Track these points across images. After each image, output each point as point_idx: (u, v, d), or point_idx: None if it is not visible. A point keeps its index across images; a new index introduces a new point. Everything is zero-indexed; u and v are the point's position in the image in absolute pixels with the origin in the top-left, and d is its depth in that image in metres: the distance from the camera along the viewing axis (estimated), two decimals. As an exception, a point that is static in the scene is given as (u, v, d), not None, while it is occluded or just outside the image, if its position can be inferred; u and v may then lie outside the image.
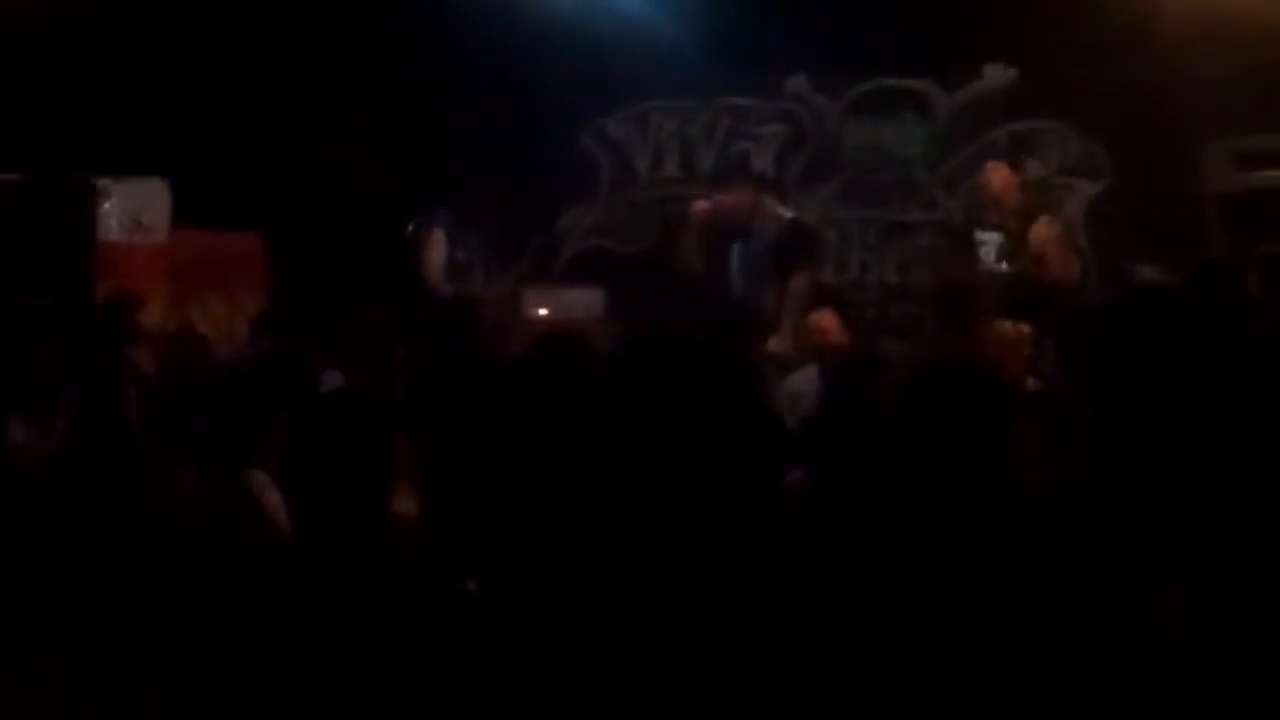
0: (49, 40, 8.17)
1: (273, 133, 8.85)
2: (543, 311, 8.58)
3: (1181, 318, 3.24)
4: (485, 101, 9.11)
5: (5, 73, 7.97)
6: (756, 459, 1.85)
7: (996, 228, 7.16)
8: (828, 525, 3.25)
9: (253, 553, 3.13)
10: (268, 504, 4.62)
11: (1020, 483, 2.87)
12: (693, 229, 7.23)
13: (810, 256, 7.32)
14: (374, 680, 2.41)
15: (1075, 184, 8.88)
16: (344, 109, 9.05)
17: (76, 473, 6.19)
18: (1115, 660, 2.69)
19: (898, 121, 9.29)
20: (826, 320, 6.48)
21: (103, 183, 8.41)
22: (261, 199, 8.67)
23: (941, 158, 9.19)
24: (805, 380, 6.42)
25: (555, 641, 1.84)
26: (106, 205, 8.43)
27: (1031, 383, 5.43)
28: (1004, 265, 6.90)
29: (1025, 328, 6.41)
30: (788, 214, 7.47)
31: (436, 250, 8.35)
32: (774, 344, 6.78)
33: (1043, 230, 7.05)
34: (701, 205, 7.21)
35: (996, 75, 9.01)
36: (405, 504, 3.00)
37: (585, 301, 8.58)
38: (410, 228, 8.46)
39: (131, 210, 8.51)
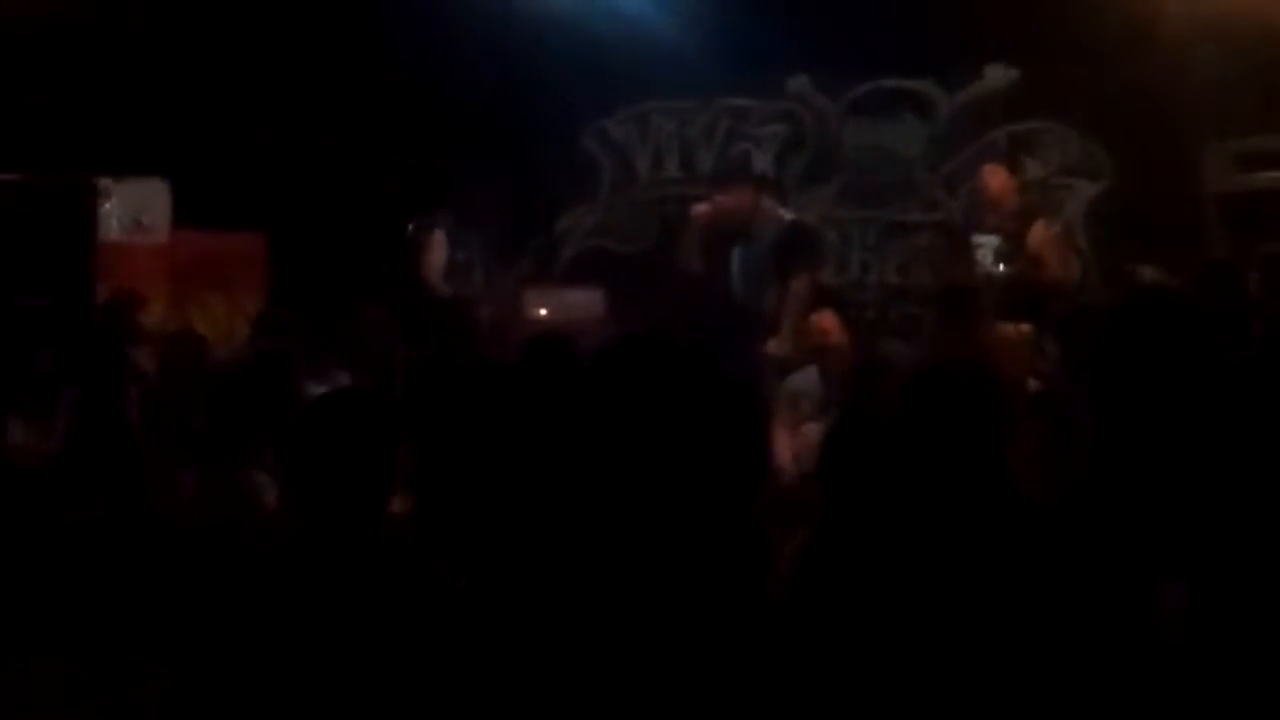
0: (49, 40, 8.17)
1: (273, 133, 8.85)
2: (543, 312, 8.58)
3: (1182, 318, 3.23)
4: (485, 101, 9.11)
5: (5, 73, 7.97)
6: (739, 459, 1.84)
7: (994, 230, 7.15)
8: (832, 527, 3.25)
9: (253, 553, 3.12)
10: (268, 504, 4.62)
11: (1020, 483, 2.87)
12: (693, 231, 7.23)
13: (810, 258, 7.31)
14: (373, 680, 2.41)
15: (1075, 184, 8.88)
16: (344, 109, 9.05)
17: (76, 473, 6.19)
18: (1116, 660, 2.68)
19: (898, 122, 9.29)
20: (827, 321, 6.48)
21: (103, 183, 8.42)
22: (262, 199, 8.67)
23: (942, 158, 9.18)
24: (805, 380, 6.43)
25: (545, 641, 1.84)
26: (107, 205, 8.44)
27: (1032, 383, 5.43)
28: (1001, 267, 6.89)
29: (1026, 328, 6.42)
30: (788, 215, 7.46)
31: (436, 251, 8.36)
32: (773, 346, 6.77)
33: (1040, 232, 7.05)
34: (702, 207, 7.20)
35: (997, 75, 9.01)
36: (400, 503, 3.00)
37: (585, 302, 8.58)
38: (410, 229, 8.46)
39: (132, 210, 8.52)
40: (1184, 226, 7.84)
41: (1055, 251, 7.09)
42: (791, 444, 6.34)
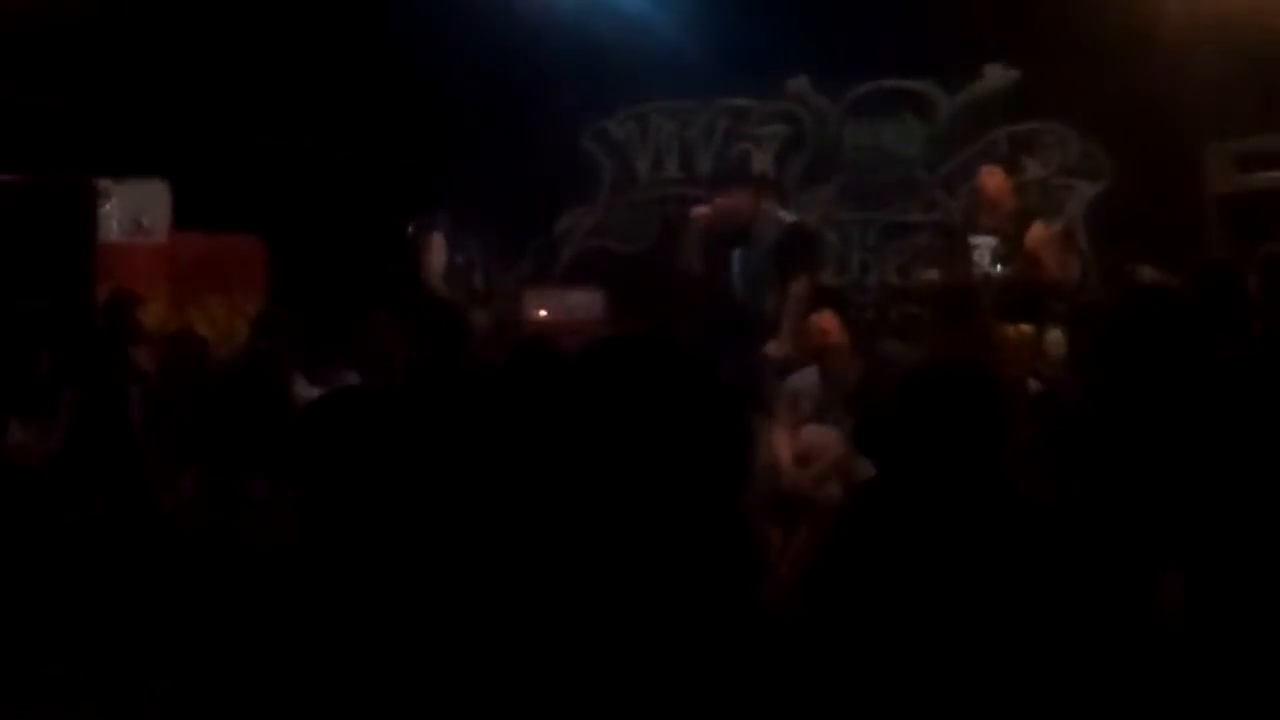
0: (49, 40, 8.17)
1: (272, 134, 8.85)
2: (543, 313, 8.58)
3: (1181, 317, 3.24)
4: (485, 102, 9.11)
5: (5, 73, 7.97)
6: (718, 458, 1.84)
7: (991, 231, 7.15)
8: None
9: (253, 554, 3.13)
10: (268, 505, 4.63)
11: (1019, 482, 2.87)
12: (693, 234, 7.22)
13: (810, 261, 7.31)
14: (373, 680, 2.41)
15: (1075, 184, 8.88)
16: (344, 110, 9.05)
17: (76, 473, 6.20)
18: (1115, 658, 2.69)
19: (898, 122, 9.29)
20: (827, 321, 6.48)
21: (103, 184, 8.42)
22: (261, 200, 8.67)
23: (941, 158, 9.19)
24: (805, 380, 6.43)
25: (533, 646, 1.84)
26: (107, 206, 8.44)
27: (1032, 383, 5.43)
28: (999, 268, 6.89)
29: (1027, 328, 6.42)
30: (788, 218, 7.46)
31: (436, 253, 8.36)
32: (774, 348, 6.77)
33: (1038, 232, 7.04)
34: (702, 210, 7.20)
35: (997, 75, 9.01)
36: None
37: (586, 303, 8.59)
38: (410, 230, 8.46)
39: (132, 211, 8.52)
40: (1184, 226, 7.84)
41: (1053, 252, 7.08)
42: (792, 444, 6.35)
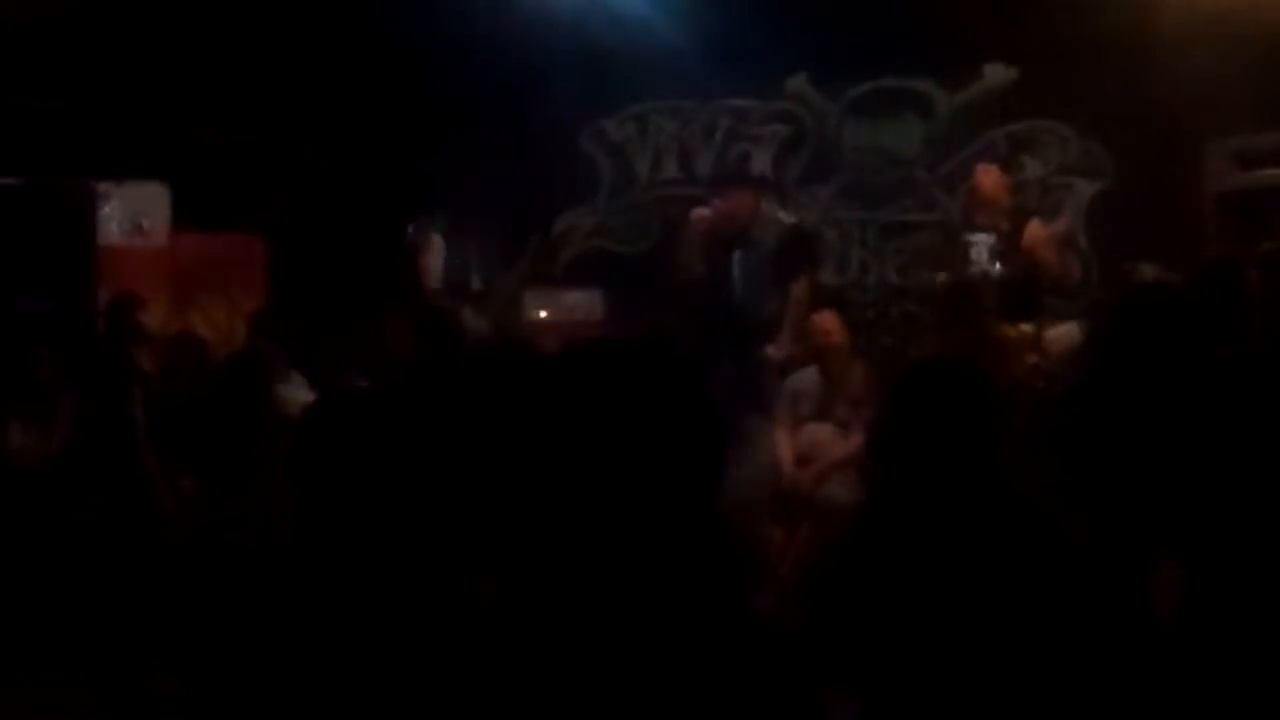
0: (49, 42, 8.18)
1: (272, 135, 8.85)
2: (543, 314, 8.59)
3: (1182, 314, 3.24)
4: (485, 102, 9.10)
5: (5, 75, 7.98)
6: (692, 458, 1.83)
7: (988, 229, 7.14)
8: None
9: (253, 555, 3.12)
10: (269, 505, 4.62)
11: (1018, 478, 2.87)
12: (693, 236, 7.22)
13: (810, 262, 7.31)
14: (373, 682, 2.41)
15: (1075, 184, 8.88)
16: (342, 111, 9.05)
17: (76, 475, 6.20)
18: (1114, 656, 2.68)
19: (898, 121, 9.29)
20: (827, 320, 6.48)
21: (103, 186, 8.43)
22: (261, 202, 8.68)
23: (941, 158, 9.19)
24: (805, 380, 6.43)
25: (530, 645, 1.84)
26: (107, 209, 8.44)
27: (1033, 383, 5.43)
28: (997, 266, 6.89)
29: (1027, 328, 6.42)
30: (788, 219, 7.46)
31: (434, 255, 8.36)
32: (774, 350, 6.77)
33: (1035, 231, 7.04)
34: (701, 212, 7.20)
35: (996, 75, 9.01)
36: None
37: (585, 303, 8.59)
38: (409, 230, 8.46)
39: (132, 214, 8.52)
40: (1183, 224, 7.84)
41: (1052, 250, 7.07)
42: (792, 444, 6.36)
